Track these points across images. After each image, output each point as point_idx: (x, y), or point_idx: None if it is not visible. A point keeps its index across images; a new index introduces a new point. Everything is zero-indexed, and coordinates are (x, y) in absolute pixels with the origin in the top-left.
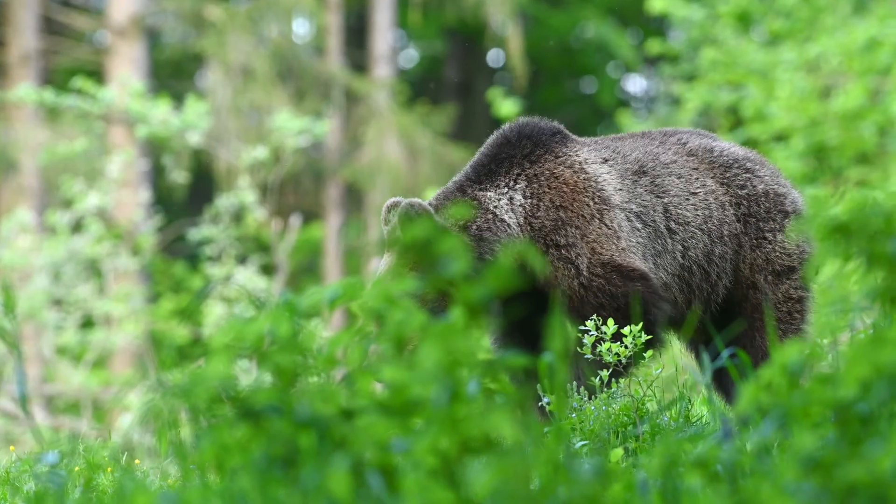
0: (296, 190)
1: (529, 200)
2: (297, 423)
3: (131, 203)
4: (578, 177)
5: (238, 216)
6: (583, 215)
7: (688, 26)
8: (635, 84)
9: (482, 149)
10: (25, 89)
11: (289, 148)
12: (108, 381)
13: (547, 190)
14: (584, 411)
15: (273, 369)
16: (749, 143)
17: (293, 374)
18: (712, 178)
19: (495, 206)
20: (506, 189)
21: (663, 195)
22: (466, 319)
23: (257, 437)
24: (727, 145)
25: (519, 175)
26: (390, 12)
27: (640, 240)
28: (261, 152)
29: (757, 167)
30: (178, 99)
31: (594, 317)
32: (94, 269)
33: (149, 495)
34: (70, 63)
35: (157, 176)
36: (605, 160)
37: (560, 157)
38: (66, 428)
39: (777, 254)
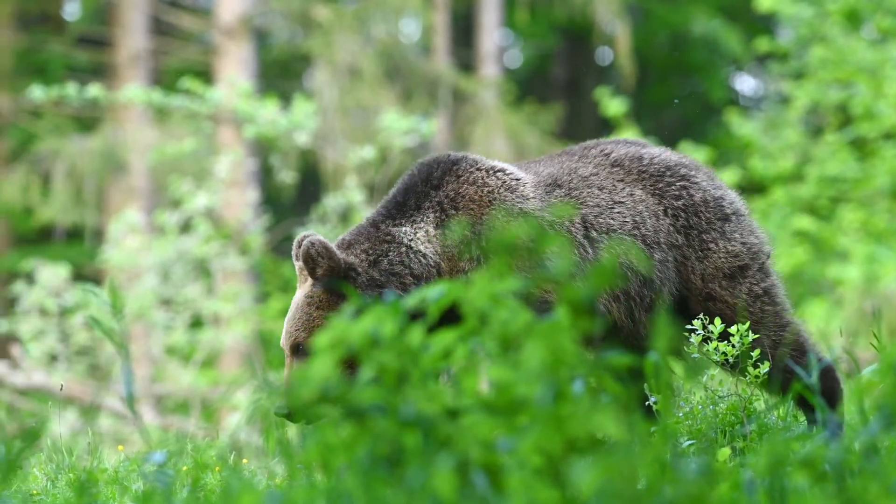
0: None
1: (441, 230)
2: (402, 423)
3: (239, 203)
4: (482, 190)
5: (345, 216)
6: (493, 228)
7: (796, 24)
8: (744, 82)
9: (393, 188)
10: (134, 90)
11: (396, 147)
12: (217, 381)
13: (454, 212)
14: (691, 411)
15: (378, 369)
16: (858, 141)
17: (398, 374)
18: (642, 188)
19: (410, 240)
20: (421, 222)
21: (581, 206)
22: (570, 318)
23: (362, 436)
24: (658, 152)
25: (429, 207)
26: (497, 11)
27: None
28: (368, 152)
29: (692, 173)
30: (285, 99)
31: (701, 316)
32: (202, 269)
33: (255, 495)
34: (178, 63)
35: (265, 176)
36: (515, 173)
37: (462, 175)
38: (175, 427)
39: (723, 259)
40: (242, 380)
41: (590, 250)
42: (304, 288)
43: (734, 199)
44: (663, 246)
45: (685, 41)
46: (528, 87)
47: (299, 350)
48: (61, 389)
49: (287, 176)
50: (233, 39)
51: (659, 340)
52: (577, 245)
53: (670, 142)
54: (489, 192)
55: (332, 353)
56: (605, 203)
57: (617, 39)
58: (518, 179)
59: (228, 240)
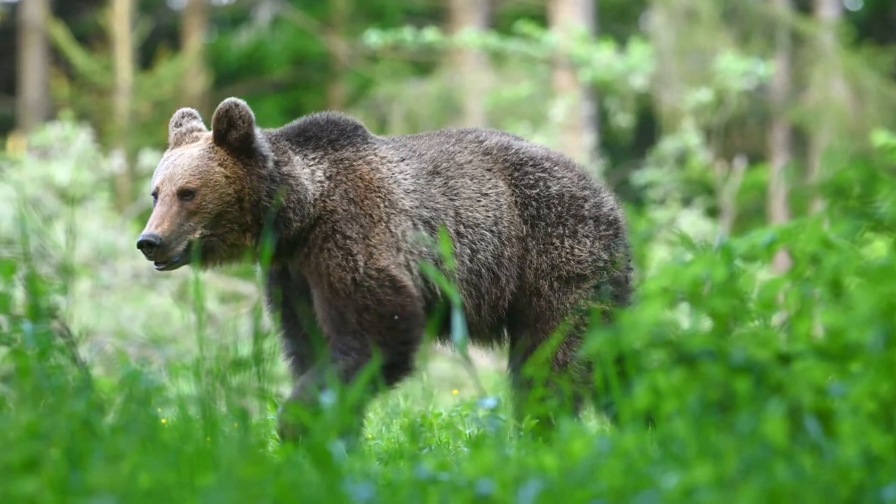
0: (740, 132)
1: (328, 182)
2: (733, 368)
3: (576, 147)
4: (374, 175)
5: (682, 159)
6: (371, 215)
7: None
8: None
9: (291, 123)
10: (470, 34)
11: (733, 90)
12: None
13: (344, 179)
14: None
15: (709, 313)
16: None
17: (729, 319)
18: (503, 178)
19: (302, 170)
20: (312, 162)
21: (455, 198)
22: None
23: (692, 382)
24: (527, 145)
25: (323, 156)
26: None
27: (423, 248)
28: (704, 95)
29: (556, 168)
30: (621, 42)
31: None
32: None
33: (586, 439)
34: (514, 7)
35: (601, 119)
36: (402, 159)
37: (360, 151)
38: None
39: (564, 260)
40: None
41: (457, 245)
42: (200, 144)
43: (604, 203)
44: (514, 240)
45: None
46: (866, 28)
47: (185, 195)
48: None
49: (623, 119)
50: None
51: None
52: (451, 238)
53: None
54: (379, 178)
55: (662, 298)
56: (474, 195)
57: None
58: (403, 171)
59: None
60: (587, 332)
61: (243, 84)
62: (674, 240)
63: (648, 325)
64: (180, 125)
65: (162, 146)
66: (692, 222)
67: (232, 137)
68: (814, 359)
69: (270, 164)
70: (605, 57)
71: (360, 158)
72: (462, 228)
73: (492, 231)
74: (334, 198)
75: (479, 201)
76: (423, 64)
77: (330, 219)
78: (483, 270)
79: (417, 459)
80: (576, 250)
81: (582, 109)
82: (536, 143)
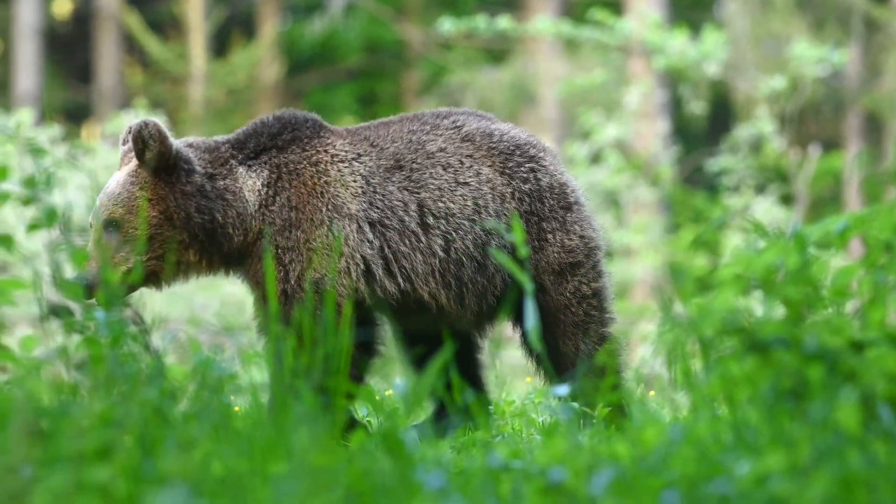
0: (815, 119)
1: (267, 190)
2: (806, 356)
3: (649, 134)
4: (319, 179)
5: (756, 146)
6: (312, 220)
7: None
8: None
9: (241, 128)
10: (543, 21)
11: (807, 77)
12: (628, 312)
13: (287, 186)
14: None
15: (782, 301)
16: None
17: (802, 306)
18: (490, 165)
19: (240, 185)
20: (254, 171)
21: (419, 191)
22: None
23: (765, 369)
24: (507, 128)
25: (266, 162)
26: None
27: (368, 251)
28: (778, 82)
29: (541, 154)
30: (695, 29)
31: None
32: (612, 201)
33: (659, 427)
34: None
35: (675, 107)
36: (358, 156)
37: (307, 150)
38: None
39: (557, 252)
40: (650, 311)
41: (423, 238)
42: (126, 168)
43: (576, 186)
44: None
45: None
46: None
47: (111, 226)
48: None
49: (697, 107)
50: None
51: None
52: (408, 234)
53: None
54: (324, 182)
55: (736, 285)
56: (447, 185)
57: None
58: (353, 173)
59: (639, 171)
60: (598, 315)
61: (316, 72)
62: (747, 227)
63: (721, 313)
64: (126, 142)
65: None
66: (766, 209)
67: (147, 157)
68: (887, 346)
69: (197, 179)
70: (678, 44)
71: (304, 160)
72: (431, 220)
73: (472, 220)
74: (273, 208)
75: (454, 190)
76: (497, 52)
77: (269, 231)
78: (464, 259)
79: (490, 447)
80: (566, 241)
81: (655, 97)
82: (511, 123)
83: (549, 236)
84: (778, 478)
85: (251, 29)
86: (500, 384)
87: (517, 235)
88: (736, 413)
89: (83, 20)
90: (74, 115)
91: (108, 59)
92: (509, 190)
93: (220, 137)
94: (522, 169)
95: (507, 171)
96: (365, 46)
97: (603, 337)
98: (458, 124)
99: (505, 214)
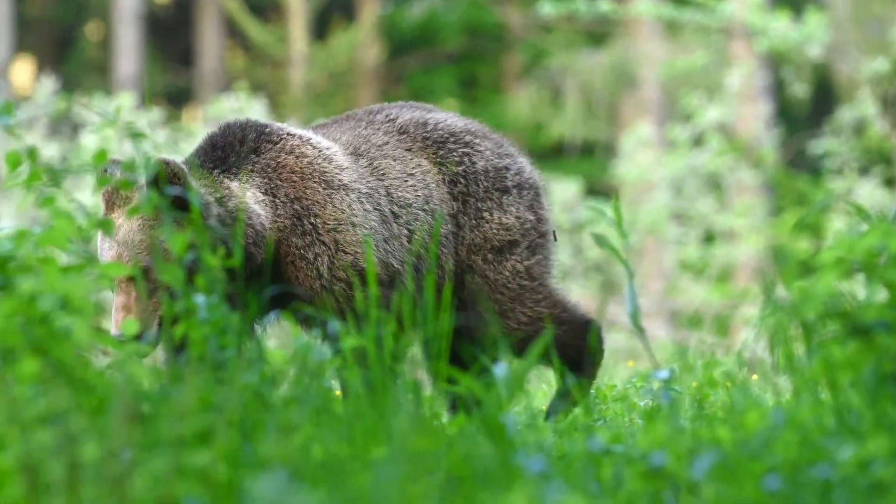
0: None
1: (269, 197)
2: None
3: (752, 117)
4: (301, 161)
5: (859, 129)
6: (316, 201)
7: None
8: None
9: (199, 145)
10: (644, 4)
11: None
12: (730, 296)
13: (280, 183)
14: None
15: (884, 284)
16: None
17: None
18: (426, 157)
19: (246, 201)
20: (247, 184)
21: (383, 178)
22: None
23: (867, 353)
24: (443, 117)
25: (252, 170)
26: None
27: (374, 223)
28: (881, 64)
29: (477, 140)
30: (797, 11)
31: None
32: (714, 184)
33: (760, 411)
34: None
35: (777, 89)
36: (327, 144)
37: (277, 142)
38: (690, 343)
39: (494, 231)
40: (752, 295)
41: (394, 225)
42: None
43: (522, 168)
44: (447, 218)
45: None
46: None
47: (142, 275)
48: None
49: (799, 89)
50: None
51: None
52: (385, 219)
53: None
54: (308, 163)
55: (837, 269)
56: (400, 176)
57: None
58: (329, 148)
59: (741, 154)
60: (533, 286)
61: (417, 55)
62: (850, 210)
63: (824, 297)
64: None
65: None
66: (869, 193)
67: (167, 197)
68: None
69: (215, 209)
70: (781, 26)
71: (282, 151)
72: (396, 209)
73: (424, 210)
74: (280, 212)
75: (406, 181)
76: (598, 34)
77: (283, 236)
78: (422, 251)
79: (591, 431)
80: (504, 220)
81: (758, 79)
82: (449, 112)
83: (486, 215)
84: (881, 462)
85: (351, 12)
86: (602, 368)
87: (617, 220)
88: (838, 397)
89: (185, 4)
90: (175, 100)
91: (209, 42)
92: (441, 176)
93: (186, 157)
94: (455, 154)
95: (440, 158)
96: (465, 29)
97: (537, 300)
98: (392, 117)
99: (445, 202)
